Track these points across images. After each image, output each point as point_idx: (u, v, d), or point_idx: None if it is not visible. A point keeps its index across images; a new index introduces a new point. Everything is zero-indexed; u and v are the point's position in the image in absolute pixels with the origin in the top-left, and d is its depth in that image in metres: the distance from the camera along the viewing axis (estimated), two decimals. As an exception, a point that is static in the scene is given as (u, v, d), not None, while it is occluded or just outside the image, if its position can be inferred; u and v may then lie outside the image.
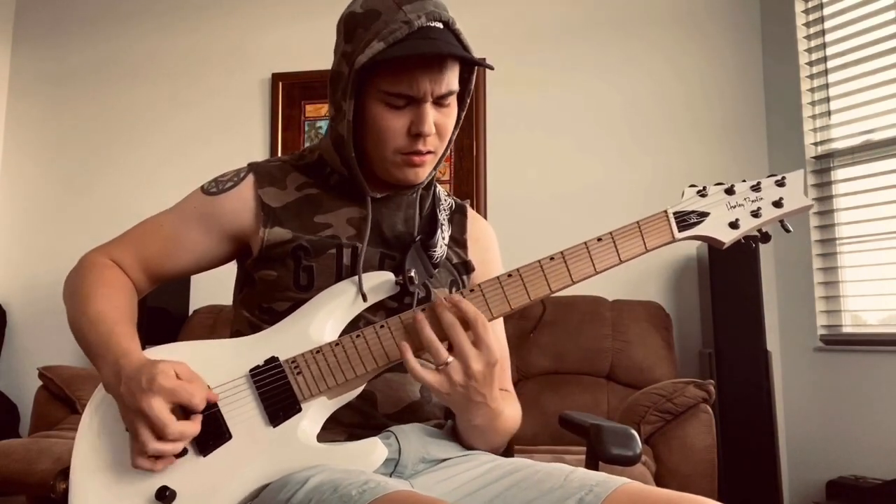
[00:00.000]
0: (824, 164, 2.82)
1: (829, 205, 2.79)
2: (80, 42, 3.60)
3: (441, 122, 1.02)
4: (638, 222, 0.93)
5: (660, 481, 2.20)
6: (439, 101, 1.01)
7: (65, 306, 1.05)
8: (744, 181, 0.96)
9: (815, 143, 2.85)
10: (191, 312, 3.15)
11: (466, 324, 0.91)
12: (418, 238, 1.07)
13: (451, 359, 0.90)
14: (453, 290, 1.10)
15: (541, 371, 2.79)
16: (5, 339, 3.43)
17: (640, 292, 2.92)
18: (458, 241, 1.16)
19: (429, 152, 1.03)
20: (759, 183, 0.95)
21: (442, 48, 0.97)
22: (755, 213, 0.94)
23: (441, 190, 1.20)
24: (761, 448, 2.48)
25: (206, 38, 3.49)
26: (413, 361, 0.91)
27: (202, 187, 1.12)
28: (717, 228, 0.93)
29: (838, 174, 2.79)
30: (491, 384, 0.93)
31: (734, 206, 0.94)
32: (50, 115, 3.59)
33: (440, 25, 0.98)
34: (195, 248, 1.09)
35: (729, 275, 2.57)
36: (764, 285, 2.58)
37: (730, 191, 0.94)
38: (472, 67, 1.06)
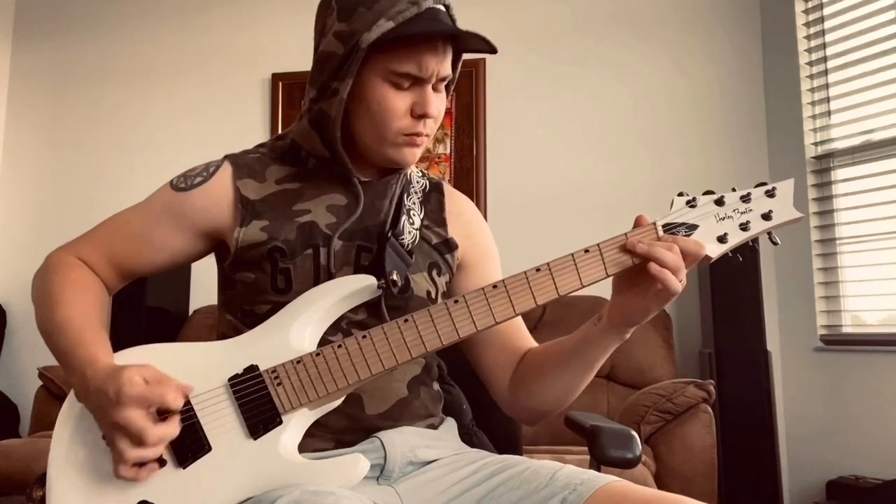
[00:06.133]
0: (824, 164, 2.82)
1: (828, 205, 2.79)
2: (80, 42, 3.60)
3: (438, 106, 1.02)
4: (626, 234, 0.91)
5: (660, 481, 2.20)
6: (437, 86, 1.01)
7: (34, 308, 1.02)
8: (733, 190, 0.93)
9: (815, 143, 2.85)
10: (191, 312, 3.15)
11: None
12: (389, 233, 1.03)
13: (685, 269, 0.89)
14: (433, 272, 1.07)
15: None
16: (5, 339, 3.43)
17: (640, 292, 2.91)
18: (437, 219, 1.12)
19: (426, 134, 1.03)
20: (748, 194, 0.92)
21: (456, 29, 0.97)
22: (744, 227, 0.91)
23: (415, 172, 1.15)
24: (761, 448, 2.48)
25: (206, 38, 3.49)
26: (664, 271, 0.88)
27: (171, 182, 1.07)
28: (706, 243, 0.91)
29: (838, 174, 2.79)
30: None
31: (723, 219, 0.91)
32: (50, 114, 3.59)
33: (443, 8, 0.99)
34: (166, 246, 1.05)
35: (729, 275, 2.57)
36: (764, 285, 2.58)
37: (719, 202, 0.92)
38: (458, 56, 1.05)
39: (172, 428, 0.86)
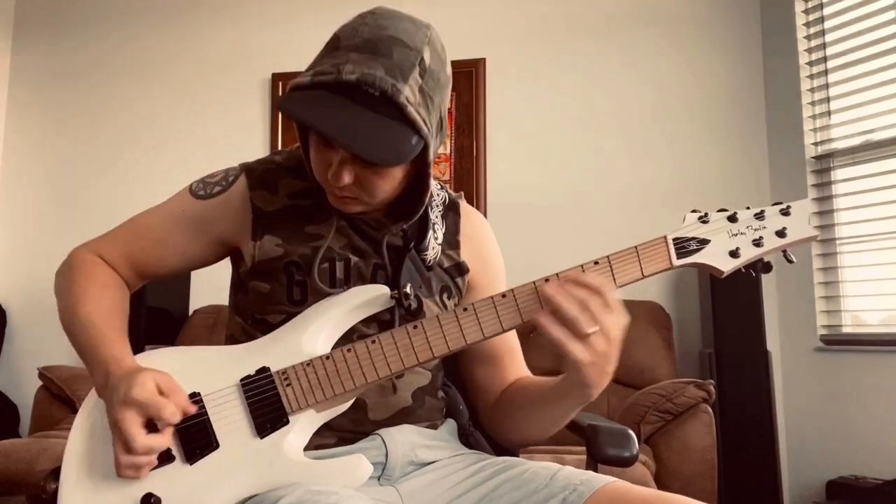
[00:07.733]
0: (824, 163, 2.82)
1: (829, 205, 2.79)
2: (80, 42, 3.60)
3: (366, 178, 0.93)
4: (636, 247, 0.91)
5: (660, 481, 2.20)
6: (363, 160, 0.90)
7: (56, 303, 1.04)
8: (747, 208, 0.92)
9: (815, 143, 2.85)
10: (191, 312, 3.15)
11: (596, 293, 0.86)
12: (411, 246, 1.04)
13: (596, 327, 0.84)
14: (444, 296, 1.07)
15: (541, 371, 2.70)
16: (5, 339, 3.43)
17: (640, 292, 2.91)
18: (451, 241, 1.12)
19: (352, 197, 0.96)
20: (762, 211, 0.92)
21: (330, 127, 0.86)
22: (757, 243, 0.91)
23: (434, 184, 1.12)
24: (761, 448, 2.48)
25: (206, 38, 3.49)
26: (559, 331, 0.85)
27: (190, 188, 1.09)
28: (717, 257, 0.91)
29: (838, 174, 2.79)
30: (618, 353, 0.88)
31: (736, 234, 0.91)
32: (50, 114, 3.59)
33: (374, 92, 0.87)
34: (184, 250, 1.08)
35: (729, 275, 2.56)
36: (764, 285, 2.59)
37: (732, 218, 0.92)
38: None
39: (162, 440, 0.87)
